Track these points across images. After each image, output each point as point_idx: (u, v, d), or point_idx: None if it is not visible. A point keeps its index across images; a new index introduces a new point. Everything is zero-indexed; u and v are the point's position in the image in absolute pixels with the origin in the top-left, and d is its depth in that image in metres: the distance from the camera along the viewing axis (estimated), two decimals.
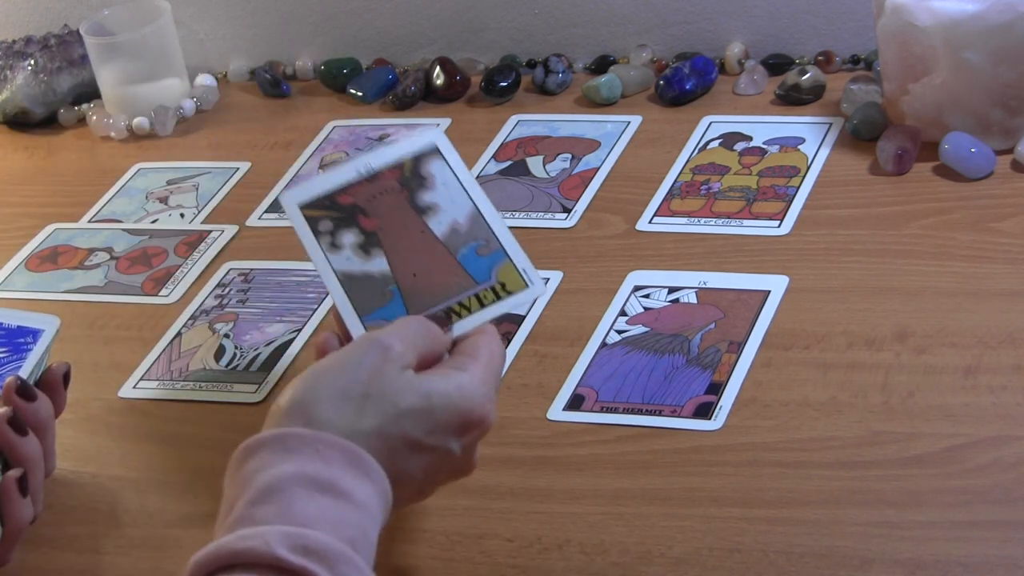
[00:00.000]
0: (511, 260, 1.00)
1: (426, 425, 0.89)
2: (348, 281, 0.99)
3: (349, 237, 1.00)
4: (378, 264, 1.00)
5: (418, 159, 1.02)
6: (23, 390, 1.02)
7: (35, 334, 1.06)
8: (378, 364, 0.90)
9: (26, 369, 1.04)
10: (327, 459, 0.86)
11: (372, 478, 0.86)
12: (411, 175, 1.02)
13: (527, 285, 0.99)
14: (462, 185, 1.02)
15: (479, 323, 0.98)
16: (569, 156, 1.37)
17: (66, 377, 1.06)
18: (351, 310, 0.99)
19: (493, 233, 1.01)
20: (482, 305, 0.98)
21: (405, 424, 0.89)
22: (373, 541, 0.86)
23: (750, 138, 1.35)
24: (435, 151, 1.03)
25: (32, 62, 1.57)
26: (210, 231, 1.37)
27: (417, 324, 0.94)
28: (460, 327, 0.97)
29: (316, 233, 1.00)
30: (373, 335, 0.92)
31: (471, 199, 1.01)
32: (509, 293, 0.99)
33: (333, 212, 1.00)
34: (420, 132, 1.04)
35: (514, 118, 1.45)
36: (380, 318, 0.98)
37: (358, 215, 1.01)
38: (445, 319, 0.97)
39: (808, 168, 1.29)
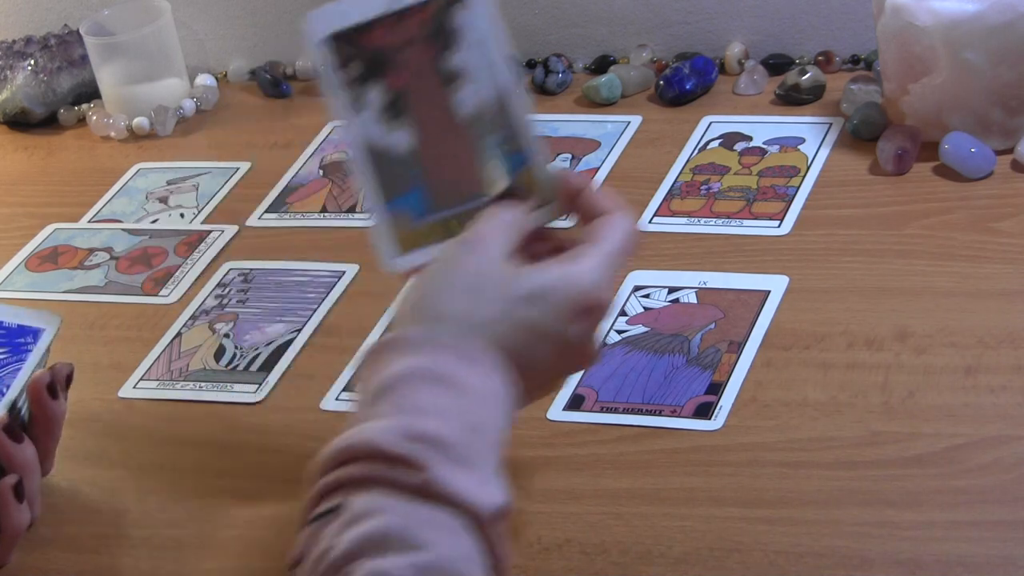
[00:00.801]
0: (534, 168, 0.94)
1: (542, 309, 0.90)
2: (371, 154, 0.94)
3: (374, 95, 0.94)
4: (402, 139, 0.94)
5: (447, 1, 0.93)
6: (52, 387, 1.02)
7: (35, 333, 1.06)
8: (487, 257, 0.90)
9: (25, 371, 1.04)
10: (438, 356, 0.87)
11: (487, 366, 0.87)
12: (439, 24, 0.93)
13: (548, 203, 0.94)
14: (491, 51, 0.93)
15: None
16: (569, 156, 1.37)
17: (68, 379, 1.06)
18: (376, 189, 0.94)
19: (521, 127, 0.94)
20: None
21: (520, 311, 0.89)
22: (500, 425, 0.86)
23: (750, 138, 1.35)
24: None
25: (32, 62, 1.57)
26: (210, 231, 1.37)
27: (505, 214, 0.93)
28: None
29: (341, 83, 0.94)
30: (474, 233, 0.92)
31: (499, 73, 0.93)
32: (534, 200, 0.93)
33: (359, 57, 0.94)
34: None
35: None
36: (404, 208, 0.94)
37: (385, 66, 0.93)
38: (523, 191, 0.93)
39: (808, 168, 1.29)
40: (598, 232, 0.93)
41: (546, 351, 0.90)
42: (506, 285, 0.90)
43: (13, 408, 1.00)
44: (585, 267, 0.91)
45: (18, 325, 1.06)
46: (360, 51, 0.94)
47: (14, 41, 1.60)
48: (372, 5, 0.93)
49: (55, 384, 1.02)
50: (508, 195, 0.94)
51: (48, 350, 1.06)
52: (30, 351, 1.04)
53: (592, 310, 0.91)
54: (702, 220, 1.26)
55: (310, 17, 0.94)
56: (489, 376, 0.87)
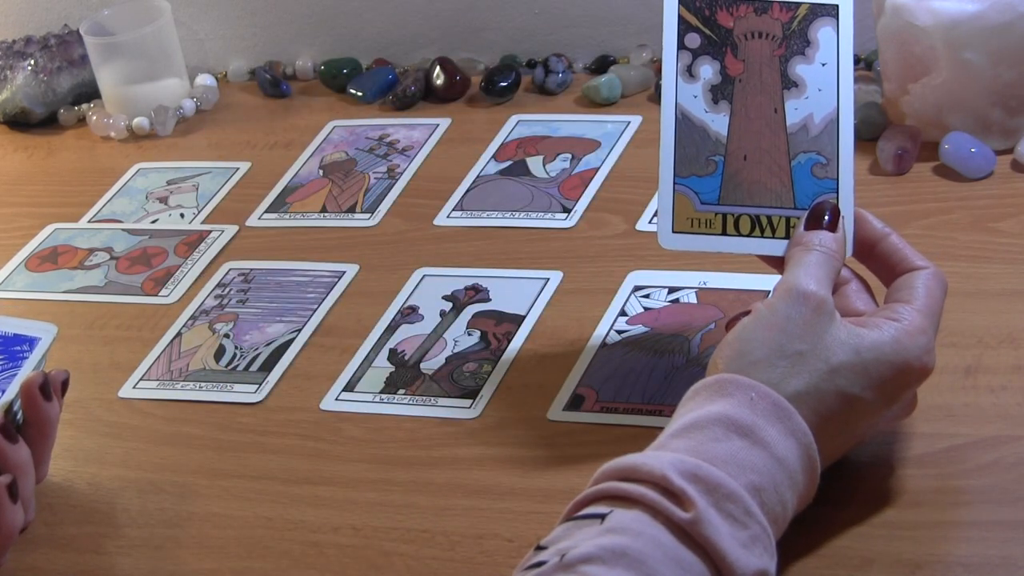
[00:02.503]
0: (840, 200, 0.92)
1: (860, 381, 0.89)
2: (683, 124, 0.94)
3: (708, 71, 0.94)
4: (718, 122, 0.93)
5: (815, 10, 0.94)
6: (44, 388, 1.02)
7: (32, 342, 1.05)
8: (809, 318, 0.90)
9: (21, 378, 1.03)
10: (756, 407, 0.87)
11: (797, 437, 0.87)
12: (798, 29, 0.93)
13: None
14: (839, 74, 0.94)
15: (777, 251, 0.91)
16: (569, 156, 1.37)
17: (64, 385, 1.05)
18: (670, 161, 0.93)
19: (838, 158, 0.93)
20: (785, 235, 0.92)
21: (838, 380, 0.89)
22: (784, 497, 0.86)
23: None
24: (834, 11, 0.94)
25: (32, 62, 1.57)
26: (210, 231, 1.37)
27: (824, 259, 0.92)
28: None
29: (679, 45, 0.94)
30: (796, 286, 0.90)
31: (838, 98, 0.93)
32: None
33: (708, 29, 0.94)
34: None
35: (514, 118, 1.45)
36: (691, 188, 0.94)
37: (728, 48, 0.93)
38: (832, 221, 0.91)
39: None
40: (918, 291, 0.92)
41: (860, 416, 0.91)
42: (828, 350, 0.90)
43: (8, 411, 1.00)
44: (912, 327, 0.90)
45: (15, 334, 1.06)
46: (711, 24, 0.94)
47: (14, 41, 1.60)
48: None
49: (48, 385, 1.02)
50: (810, 221, 0.93)
51: (44, 358, 1.05)
52: (26, 358, 1.04)
53: (917, 377, 0.91)
54: None
55: None
56: (797, 445, 0.88)
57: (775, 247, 0.93)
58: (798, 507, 0.89)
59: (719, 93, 0.95)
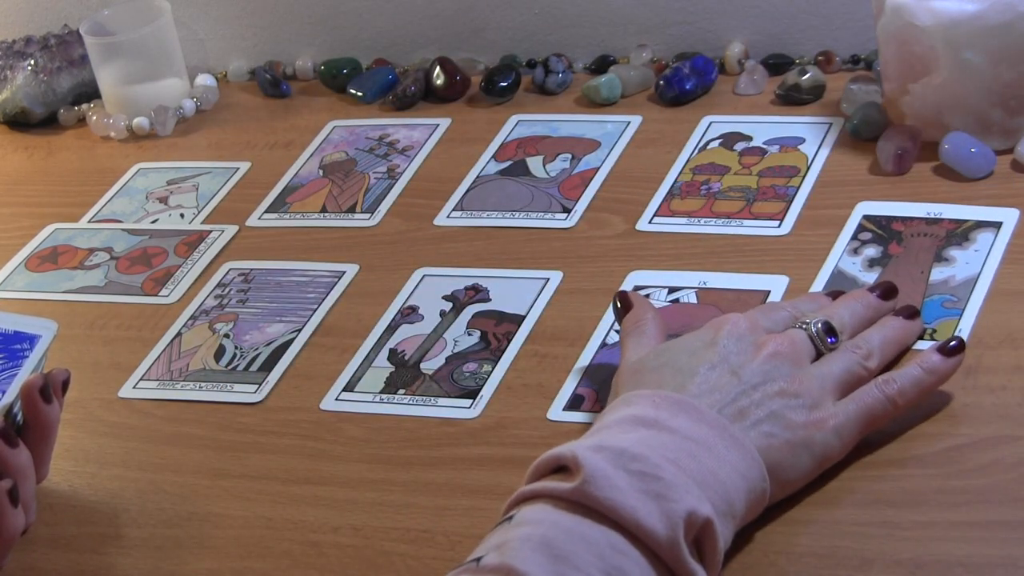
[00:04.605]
0: (959, 319, 1.08)
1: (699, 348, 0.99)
2: (834, 275, 1.14)
3: (871, 251, 1.15)
4: (867, 276, 1.12)
5: (980, 223, 1.15)
6: (45, 390, 1.02)
7: (32, 340, 1.05)
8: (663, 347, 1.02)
9: (21, 377, 1.03)
10: (659, 406, 0.93)
11: (707, 422, 0.92)
12: (961, 231, 1.14)
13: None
14: (983, 264, 1.11)
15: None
16: (569, 156, 1.37)
17: (65, 384, 1.05)
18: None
19: (968, 300, 1.09)
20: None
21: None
22: (707, 466, 0.89)
23: (750, 138, 1.35)
24: (997, 225, 1.15)
25: (32, 62, 1.57)
26: (210, 231, 1.37)
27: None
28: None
29: (854, 237, 1.16)
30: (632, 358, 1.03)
31: (978, 277, 1.10)
32: (932, 339, 1.06)
33: (882, 229, 1.16)
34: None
35: (514, 118, 1.45)
36: None
37: (894, 241, 1.14)
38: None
39: (808, 168, 1.29)
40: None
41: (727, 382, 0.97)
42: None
43: (8, 413, 0.99)
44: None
45: (15, 331, 1.05)
46: (887, 228, 1.17)
47: (14, 41, 1.60)
48: (913, 208, 1.19)
49: (48, 388, 1.01)
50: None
51: (45, 356, 1.05)
52: (26, 357, 1.04)
53: (731, 319, 1.01)
54: (702, 220, 1.26)
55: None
56: (707, 426, 0.92)
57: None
58: (740, 483, 0.91)
59: (875, 264, 1.14)
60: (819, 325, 1.00)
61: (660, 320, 1.06)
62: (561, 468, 0.89)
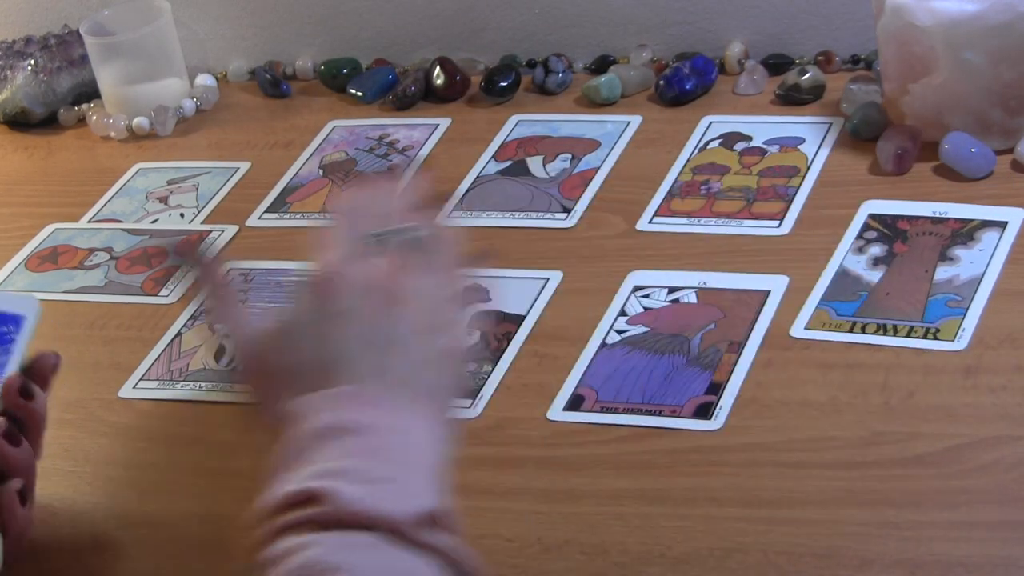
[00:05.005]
0: (963, 319, 1.07)
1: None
2: (839, 273, 1.13)
3: (876, 250, 1.15)
4: (872, 274, 1.12)
5: (985, 223, 1.15)
6: (24, 389, 1.01)
7: (16, 321, 1.03)
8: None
9: (13, 362, 1.01)
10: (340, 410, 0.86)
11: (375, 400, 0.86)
12: (967, 231, 1.14)
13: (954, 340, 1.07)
14: (988, 264, 1.11)
15: None
16: (569, 156, 1.37)
17: (54, 369, 1.04)
18: (820, 295, 1.12)
19: (972, 299, 1.08)
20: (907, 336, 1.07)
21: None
22: (404, 444, 0.84)
23: (750, 138, 1.35)
24: (1003, 225, 1.15)
25: (32, 62, 1.57)
26: (210, 231, 1.37)
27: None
28: None
29: (859, 236, 1.16)
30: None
31: (983, 277, 1.10)
32: (935, 338, 1.06)
33: (888, 229, 1.16)
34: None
35: (514, 118, 1.45)
36: (830, 308, 1.11)
37: (898, 240, 1.15)
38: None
39: (808, 168, 1.29)
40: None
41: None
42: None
43: (6, 412, 0.99)
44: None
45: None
46: (892, 227, 1.17)
47: (14, 41, 1.60)
48: (919, 207, 1.19)
49: (28, 386, 1.01)
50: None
51: (31, 336, 1.02)
52: (12, 340, 1.02)
53: (323, 281, 0.92)
54: (702, 220, 1.26)
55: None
56: (378, 409, 0.86)
57: None
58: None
59: (879, 262, 1.14)
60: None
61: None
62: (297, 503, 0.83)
